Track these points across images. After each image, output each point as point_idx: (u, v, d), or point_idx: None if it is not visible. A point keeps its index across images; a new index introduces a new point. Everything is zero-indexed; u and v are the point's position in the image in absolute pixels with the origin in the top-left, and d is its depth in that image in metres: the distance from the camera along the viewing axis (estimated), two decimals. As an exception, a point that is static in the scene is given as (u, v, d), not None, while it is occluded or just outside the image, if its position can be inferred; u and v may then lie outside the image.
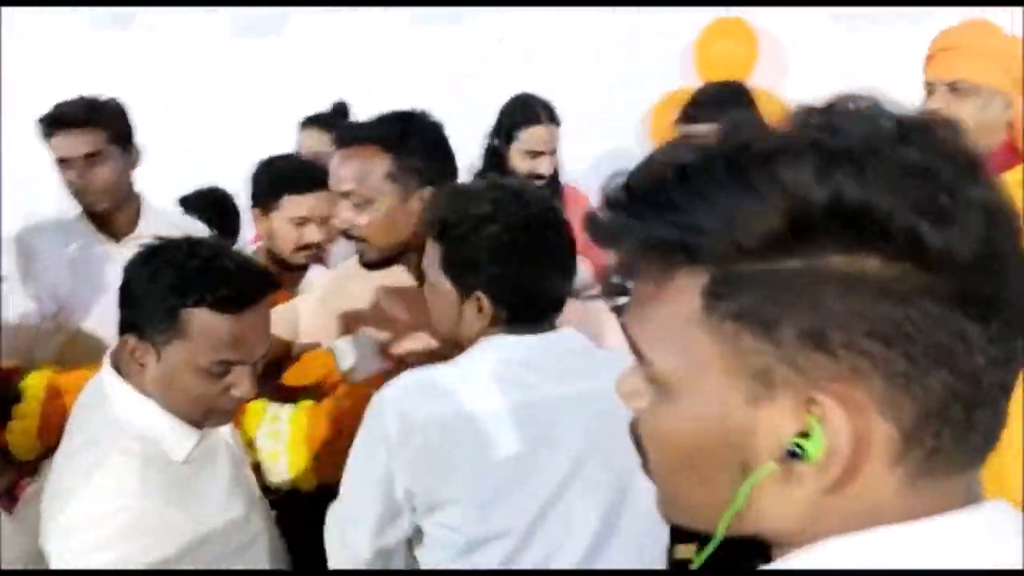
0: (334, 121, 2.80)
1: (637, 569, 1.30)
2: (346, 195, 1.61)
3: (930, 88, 1.98)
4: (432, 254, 1.34)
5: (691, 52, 3.21)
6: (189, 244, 1.31)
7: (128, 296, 1.28)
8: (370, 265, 1.68)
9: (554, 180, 2.56)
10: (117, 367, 1.32)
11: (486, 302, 1.29)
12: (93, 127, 2.10)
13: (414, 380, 1.30)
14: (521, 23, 3.38)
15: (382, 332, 1.78)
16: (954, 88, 1.93)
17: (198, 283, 1.22)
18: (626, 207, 0.54)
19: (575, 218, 2.43)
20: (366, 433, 1.30)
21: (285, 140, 2.81)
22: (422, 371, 1.32)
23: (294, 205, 2.03)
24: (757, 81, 3.13)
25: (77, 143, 2.09)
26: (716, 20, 3.13)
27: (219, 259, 1.27)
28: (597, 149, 3.33)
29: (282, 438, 1.57)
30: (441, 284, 1.33)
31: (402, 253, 1.65)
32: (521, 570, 1.26)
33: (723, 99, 2.39)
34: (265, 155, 2.19)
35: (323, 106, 2.88)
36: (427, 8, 3.40)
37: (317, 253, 2.09)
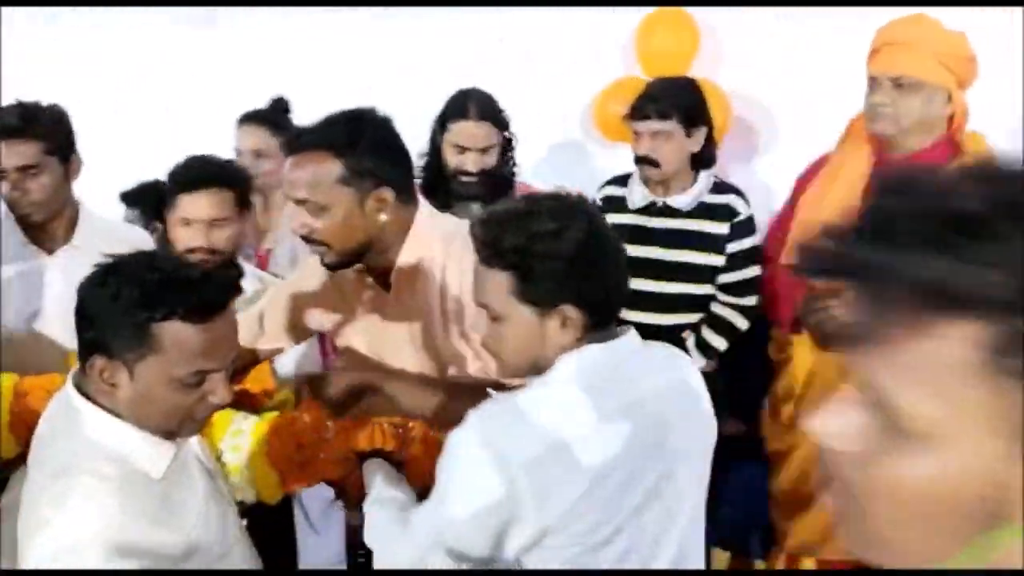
0: (273, 117, 2.73)
1: (651, 570, 1.31)
2: (301, 202, 1.60)
3: (874, 82, 2.03)
4: (500, 285, 1.31)
5: (632, 43, 3.21)
6: (146, 258, 1.29)
7: (89, 317, 1.24)
8: (331, 267, 1.68)
9: (498, 177, 2.53)
10: (81, 389, 1.28)
11: (574, 313, 1.30)
12: (29, 138, 2.01)
13: (515, 409, 1.28)
14: (464, 22, 3.34)
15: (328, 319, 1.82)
16: (898, 83, 1.99)
17: (166, 296, 1.20)
18: (887, 241, 0.51)
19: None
20: (477, 465, 1.26)
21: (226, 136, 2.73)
22: (519, 399, 1.30)
23: (183, 205, 1.98)
24: (696, 71, 3.16)
25: (11, 154, 2.00)
26: (657, 11, 3.14)
27: (181, 270, 1.26)
28: (545, 141, 3.34)
29: (244, 451, 1.54)
30: (515, 313, 1.32)
31: (361, 254, 1.65)
32: (539, 570, 1.27)
33: (675, 94, 2.41)
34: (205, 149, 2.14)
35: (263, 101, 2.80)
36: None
37: (211, 260, 1.97)
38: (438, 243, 1.66)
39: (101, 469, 1.21)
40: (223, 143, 2.65)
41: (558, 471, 1.24)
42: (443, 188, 2.44)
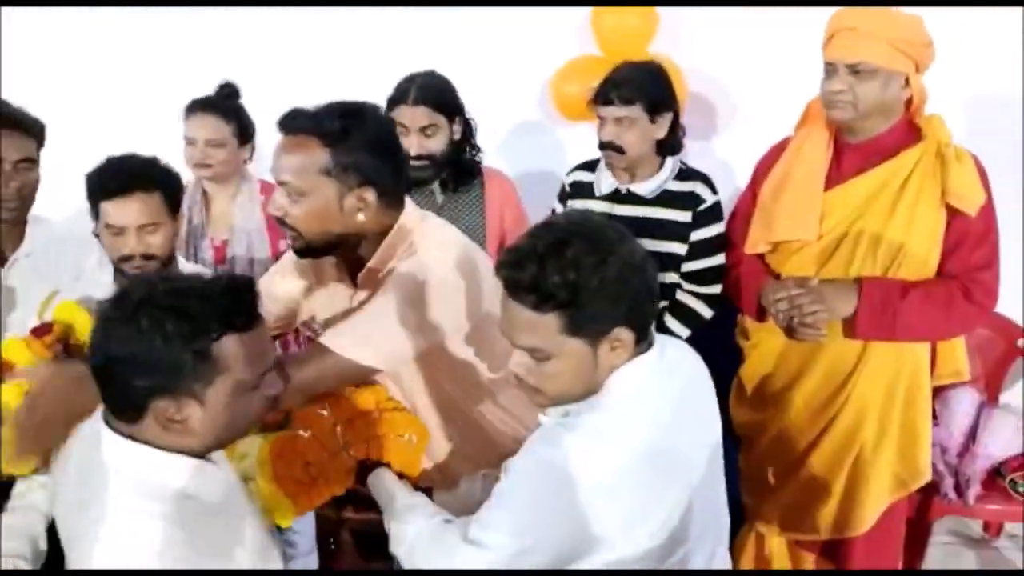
0: (224, 104, 2.66)
1: (652, 569, 1.34)
2: (282, 184, 1.59)
3: (831, 68, 2.03)
4: (549, 326, 1.30)
5: (588, 21, 3.17)
6: (163, 284, 1.24)
7: (138, 364, 1.18)
8: (300, 252, 1.68)
9: (458, 163, 2.51)
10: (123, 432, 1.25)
11: (626, 335, 1.32)
12: (28, 134, 2.07)
13: (593, 433, 1.31)
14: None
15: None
16: (855, 70, 1.98)
17: (214, 317, 1.20)
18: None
19: (502, 205, 2.42)
20: (547, 492, 1.29)
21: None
22: (592, 423, 1.33)
23: (109, 213, 1.91)
24: (654, 49, 3.14)
25: (10, 146, 2.01)
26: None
27: (210, 286, 1.25)
28: (503, 121, 3.29)
29: (252, 477, 1.52)
30: (566, 348, 1.31)
31: (335, 246, 1.65)
32: (546, 570, 1.31)
33: (639, 79, 2.38)
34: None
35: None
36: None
37: (147, 265, 1.93)
38: (432, 251, 1.65)
39: (160, 508, 1.20)
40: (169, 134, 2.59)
41: (645, 492, 1.29)
42: None
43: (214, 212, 2.66)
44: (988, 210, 2.04)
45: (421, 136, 2.40)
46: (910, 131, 2.08)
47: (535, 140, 3.38)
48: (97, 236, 1.98)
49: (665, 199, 2.42)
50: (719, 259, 2.41)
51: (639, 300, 1.33)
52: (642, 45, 3.10)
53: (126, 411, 1.22)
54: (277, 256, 2.61)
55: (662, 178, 2.44)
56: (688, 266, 2.42)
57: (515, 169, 3.24)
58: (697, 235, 2.40)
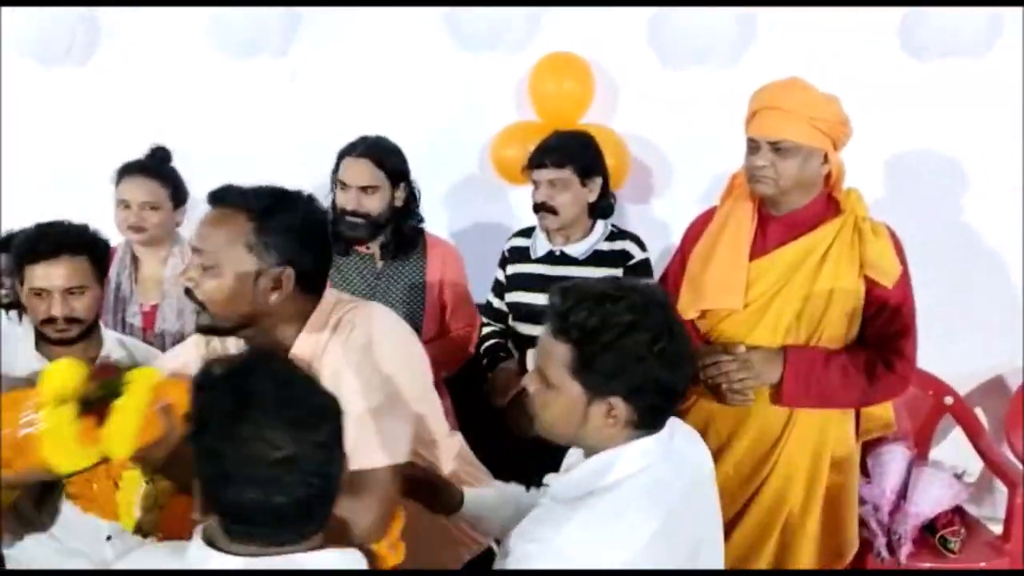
0: (158, 168, 2.64)
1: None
2: (198, 252, 1.54)
3: (753, 145, 2.10)
4: (559, 356, 1.34)
5: (526, 87, 3.24)
6: (278, 369, 1.21)
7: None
8: (202, 330, 1.60)
9: (400, 227, 2.52)
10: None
11: (621, 408, 1.33)
12: None
13: (594, 519, 1.30)
14: (362, 61, 3.31)
15: None
16: (776, 147, 2.05)
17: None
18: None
19: (443, 274, 2.42)
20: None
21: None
22: (594, 508, 1.32)
23: (35, 276, 1.91)
24: (592, 116, 3.21)
25: None
26: (549, 56, 3.17)
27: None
28: (444, 181, 3.33)
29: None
30: (568, 387, 1.35)
31: (239, 327, 1.58)
32: (551, 570, 1.30)
33: (570, 145, 2.45)
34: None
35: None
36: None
37: (70, 329, 1.92)
38: (328, 331, 1.61)
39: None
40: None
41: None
42: (334, 228, 2.42)
43: (143, 276, 2.63)
44: (904, 281, 2.11)
45: (360, 194, 2.42)
46: (830, 204, 2.15)
47: (477, 199, 3.42)
48: (14, 304, 1.96)
49: (596, 259, 2.49)
50: None
51: (648, 386, 1.32)
52: (578, 111, 3.17)
53: None
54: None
55: (593, 239, 2.51)
56: None
57: (457, 225, 3.28)
58: None
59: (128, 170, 2.63)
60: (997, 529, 2.88)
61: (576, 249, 2.50)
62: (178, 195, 2.64)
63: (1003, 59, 3.03)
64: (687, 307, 2.26)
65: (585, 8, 3.18)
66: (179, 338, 2.54)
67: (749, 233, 2.15)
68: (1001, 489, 2.99)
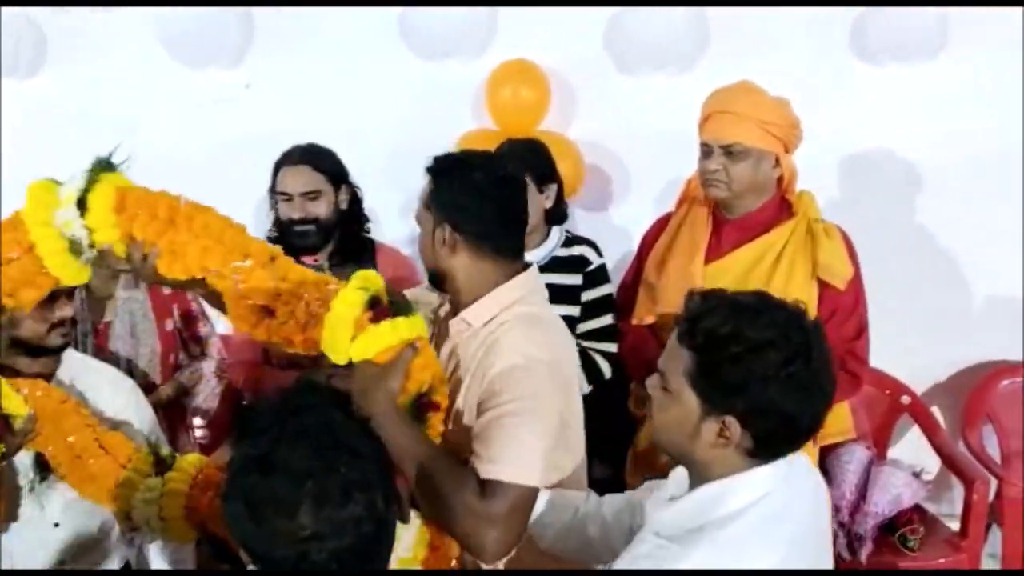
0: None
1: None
2: None
3: (706, 148, 2.11)
4: (681, 361, 1.25)
5: (482, 95, 3.23)
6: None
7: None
8: (430, 279, 1.71)
9: (346, 233, 2.51)
10: None
11: (736, 429, 1.23)
12: None
13: (720, 561, 1.21)
14: (318, 70, 3.29)
15: None
16: (729, 151, 2.07)
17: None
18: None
19: (391, 281, 2.38)
20: None
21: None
22: (710, 546, 1.22)
23: None
24: (550, 124, 3.21)
25: None
26: (504, 64, 3.17)
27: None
28: (403, 190, 3.31)
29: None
30: (685, 395, 1.26)
31: (441, 282, 1.64)
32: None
33: (525, 154, 2.44)
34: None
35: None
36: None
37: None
38: (509, 316, 1.59)
39: None
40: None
41: None
42: (284, 242, 2.38)
43: (95, 294, 2.56)
44: (856, 282, 2.14)
45: (305, 201, 2.41)
46: (783, 207, 2.18)
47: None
48: None
49: (555, 265, 2.48)
50: (611, 318, 2.47)
51: (769, 411, 1.21)
52: (535, 119, 3.17)
53: None
54: (164, 336, 2.55)
55: (550, 246, 2.50)
56: (583, 327, 2.47)
57: (415, 231, 3.25)
58: (588, 296, 2.46)
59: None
60: (955, 526, 2.92)
61: (534, 256, 2.49)
62: None
63: (953, 61, 3.08)
64: (644, 312, 2.27)
65: (541, 15, 3.18)
66: (134, 355, 2.50)
67: (704, 237, 2.17)
68: (958, 486, 3.02)
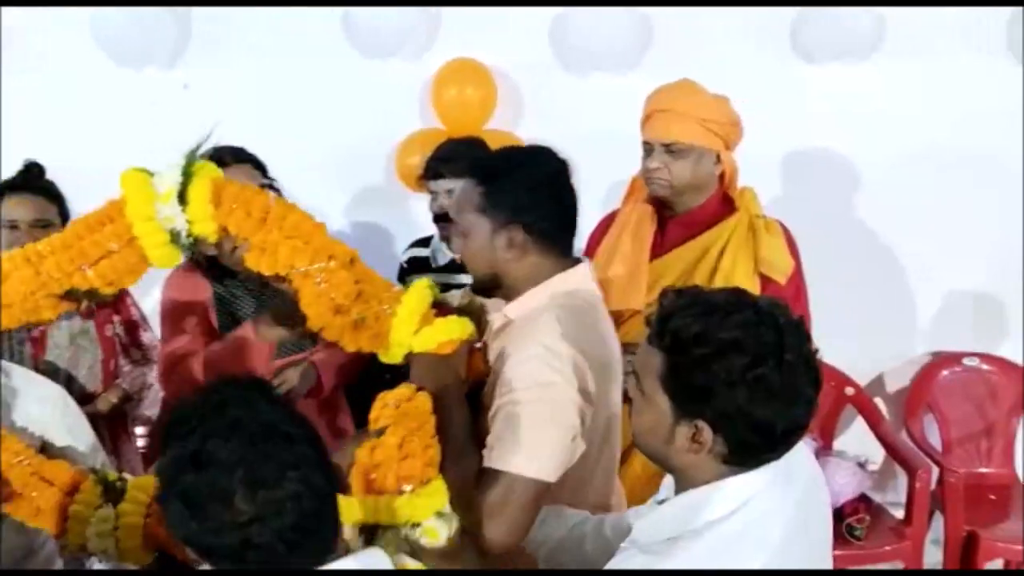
0: (44, 185, 2.52)
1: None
2: (455, 221, 1.70)
3: (648, 147, 2.13)
4: (653, 363, 1.20)
5: (429, 94, 3.22)
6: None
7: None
8: (475, 291, 1.71)
9: None
10: None
11: (708, 435, 1.17)
12: None
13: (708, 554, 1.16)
14: (260, 70, 3.25)
15: None
16: (670, 149, 2.09)
17: None
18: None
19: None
20: None
21: None
22: (681, 560, 1.16)
23: None
24: (497, 123, 3.21)
25: None
26: (449, 63, 3.16)
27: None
28: (349, 190, 3.29)
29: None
30: (658, 398, 1.20)
31: (497, 286, 1.63)
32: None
33: (466, 151, 2.42)
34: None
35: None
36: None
37: None
38: (544, 310, 1.56)
39: None
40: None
41: None
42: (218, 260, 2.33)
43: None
44: (797, 276, 2.17)
45: None
46: (725, 203, 2.20)
47: (382, 208, 3.38)
48: None
49: None
50: None
51: (737, 418, 1.15)
52: (482, 118, 3.17)
53: None
54: (106, 343, 2.48)
55: None
56: None
57: (363, 234, 3.24)
58: None
59: (12, 189, 2.50)
60: (899, 514, 2.99)
61: (478, 255, 2.48)
62: (64, 211, 2.51)
63: (889, 60, 3.15)
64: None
65: (485, 14, 3.18)
66: (73, 365, 2.43)
67: (649, 234, 2.18)
68: (902, 475, 3.09)
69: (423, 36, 3.17)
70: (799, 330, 1.19)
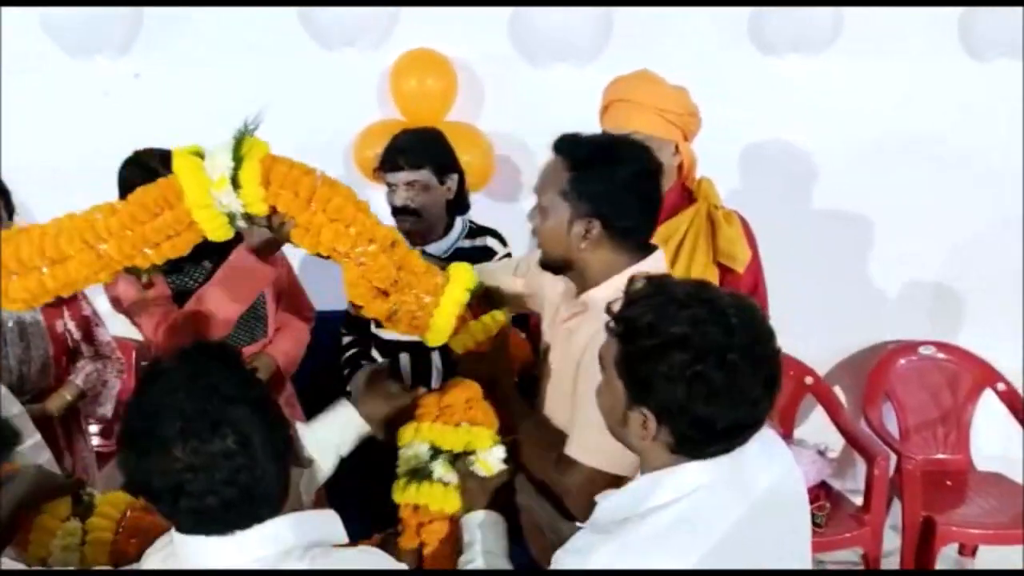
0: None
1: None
2: (537, 195, 1.66)
3: (609, 137, 2.11)
4: (611, 348, 1.24)
5: (388, 84, 3.19)
6: None
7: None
8: (541, 264, 1.71)
9: None
10: None
11: (652, 424, 1.20)
12: None
13: (626, 558, 1.16)
14: (214, 59, 3.18)
15: None
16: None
17: None
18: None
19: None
20: None
21: None
22: (621, 539, 1.19)
23: None
24: (457, 114, 3.18)
25: None
26: (408, 53, 3.13)
27: None
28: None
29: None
30: (615, 383, 1.24)
31: (566, 268, 1.66)
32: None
33: (424, 143, 2.40)
34: None
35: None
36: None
37: None
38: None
39: None
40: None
41: None
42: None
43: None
44: (755, 266, 2.18)
45: None
46: (684, 194, 2.21)
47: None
48: None
49: (459, 256, 2.43)
50: None
51: (677, 413, 1.16)
52: (442, 109, 3.14)
53: None
54: (56, 338, 2.42)
55: (454, 237, 2.47)
56: None
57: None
58: None
59: None
60: (859, 500, 3.03)
61: (438, 248, 2.45)
62: (9, 205, 2.45)
63: (846, 54, 3.18)
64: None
65: (443, 4, 3.15)
66: (25, 359, 2.38)
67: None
68: (861, 462, 3.13)
69: (381, 26, 3.14)
70: (754, 330, 1.18)
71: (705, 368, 1.14)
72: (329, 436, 1.60)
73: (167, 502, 1.16)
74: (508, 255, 2.50)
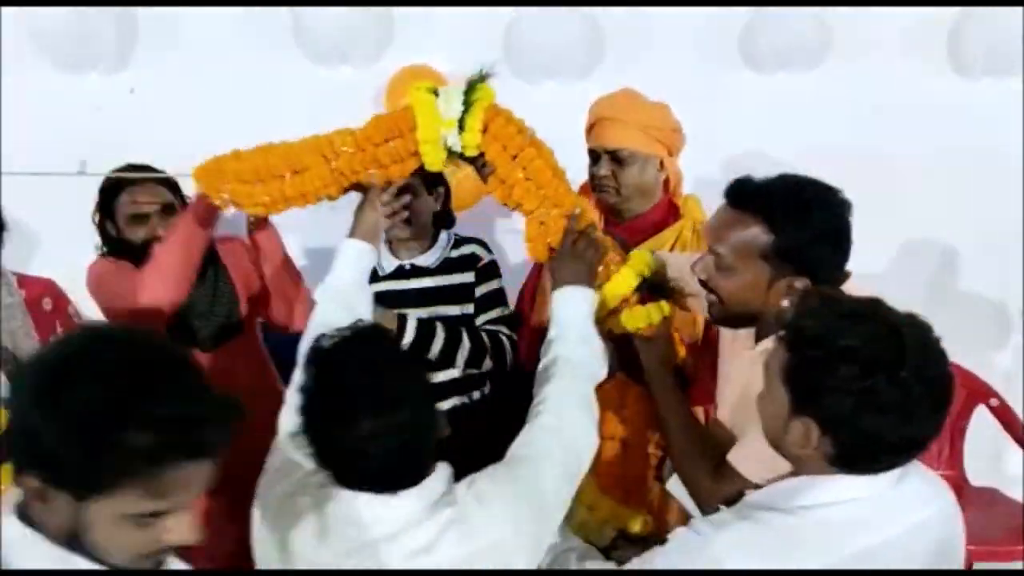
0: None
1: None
2: (713, 251, 1.63)
3: (594, 155, 2.16)
4: (778, 356, 1.24)
5: (383, 100, 3.21)
6: None
7: None
8: (714, 318, 1.72)
9: None
10: None
11: (815, 435, 1.20)
12: None
13: (760, 541, 1.20)
14: (209, 75, 3.21)
15: None
16: (615, 157, 2.11)
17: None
18: None
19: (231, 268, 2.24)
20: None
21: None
22: (762, 523, 1.22)
23: None
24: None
25: None
26: (404, 69, 3.16)
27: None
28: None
29: None
30: (779, 392, 1.24)
31: (750, 322, 1.63)
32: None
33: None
34: None
35: None
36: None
37: None
38: None
39: None
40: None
41: None
42: (133, 261, 2.31)
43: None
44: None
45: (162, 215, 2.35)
46: (670, 210, 2.23)
47: (340, 213, 3.35)
48: None
49: (448, 266, 2.47)
50: (504, 309, 2.47)
51: (844, 425, 1.17)
52: (437, 124, 3.16)
53: None
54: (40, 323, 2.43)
55: (441, 248, 2.49)
56: (479, 320, 2.47)
57: (318, 242, 3.21)
58: (480, 290, 2.46)
59: None
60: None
61: (427, 259, 2.48)
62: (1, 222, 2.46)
63: (834, 71, 3.21)
64: (543, 315, 2.28)
65: (437, 20, 3.18)
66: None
67: (599, 241, 2.19)
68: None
69: (374, 42, 3.17)
70: (927, 349, 1.20)
71: (874, 383, 1.15)
72: (351, 277, 1.80)
73: (345, 466, 1.33)
74: (493, 262, 2.51)
